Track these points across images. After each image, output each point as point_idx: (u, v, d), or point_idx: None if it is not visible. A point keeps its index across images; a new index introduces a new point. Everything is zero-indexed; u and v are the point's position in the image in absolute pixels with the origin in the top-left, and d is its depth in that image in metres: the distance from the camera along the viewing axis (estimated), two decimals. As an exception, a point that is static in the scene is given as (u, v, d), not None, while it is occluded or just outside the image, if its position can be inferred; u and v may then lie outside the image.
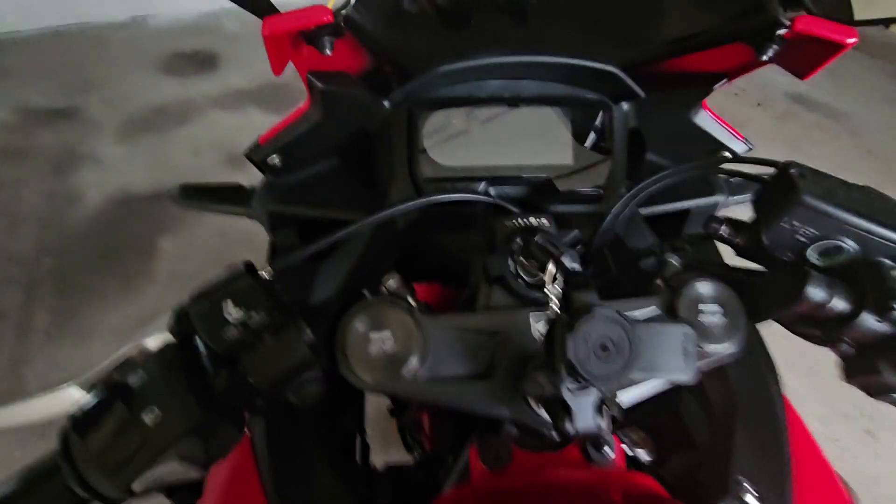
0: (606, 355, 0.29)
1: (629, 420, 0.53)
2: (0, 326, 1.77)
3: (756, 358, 0.54)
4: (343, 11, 0.42)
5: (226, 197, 0.61)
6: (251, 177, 0.62)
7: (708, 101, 0.57)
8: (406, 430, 0.92)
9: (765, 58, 0.45)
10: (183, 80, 2.97)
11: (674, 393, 0.45)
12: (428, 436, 0.87)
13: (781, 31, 0.43)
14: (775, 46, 0.44)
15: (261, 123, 2.08)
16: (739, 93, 3.00)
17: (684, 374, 0.37)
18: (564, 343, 0.29)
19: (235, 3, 0.50)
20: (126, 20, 3.44)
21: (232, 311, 0.29)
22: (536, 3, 0.57)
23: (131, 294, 1.90)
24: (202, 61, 3.12)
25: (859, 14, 0.56)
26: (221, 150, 2.48)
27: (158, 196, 2.27)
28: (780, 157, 0.44)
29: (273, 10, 0.49)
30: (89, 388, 0.33)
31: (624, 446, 0.51)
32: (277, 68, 0.45)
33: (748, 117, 2.94)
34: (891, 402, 0.39)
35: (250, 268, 0.32)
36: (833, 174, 0.42)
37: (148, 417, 0.28)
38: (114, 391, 0.29)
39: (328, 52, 0.42)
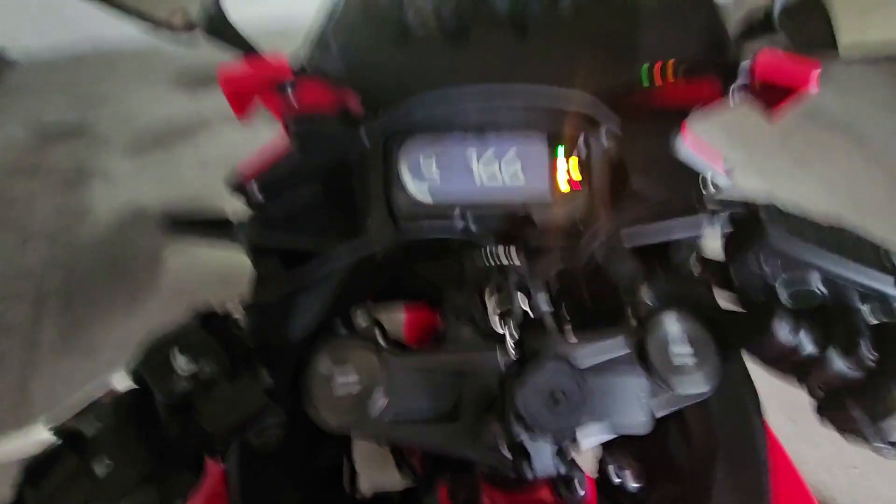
0: (557, 407, 0.29)
1: (620, 448, 0.52)
2: (8, 341, 1.80)
3: (738, 389, 0.53)
4: (302, 61, 0.43)
5: (210, 228, 0.61)
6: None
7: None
8: (397, 452, 0.91)
9: (732, 95, 0.45)
10: (192, 96, 3.02)
11: (661, 423, 0.45)
12: (418, 458, 0.87)
13: (744, 72, 0.43)
14: (740, 86, 0.44)
15: (269, 138, 2.11)
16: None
17: (638, 427, 0.37)
18: (514, 395, 0.29)
19: (221, 43, 0.51)
20: (139, 38, 3.52)
21: (181, 363, 0.29)
22: (538, 19, 0.57)
23: (137, 309, 1.93)
24: (212, 77, 3.17)
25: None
26: (230, 165, 2.51)
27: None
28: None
29: (253, 50, 0.50)
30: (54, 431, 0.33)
31: (613, 475, 0.51)
32: (242, 116, 0.45)
33: (755, 128, 2.92)
34: (863, 444, 0.39)
35: (206, 315, 0.33)
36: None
37: (99, 468, 0.28)
38: (68, 440, 0.30)
39: (292, 98, 0.43)
